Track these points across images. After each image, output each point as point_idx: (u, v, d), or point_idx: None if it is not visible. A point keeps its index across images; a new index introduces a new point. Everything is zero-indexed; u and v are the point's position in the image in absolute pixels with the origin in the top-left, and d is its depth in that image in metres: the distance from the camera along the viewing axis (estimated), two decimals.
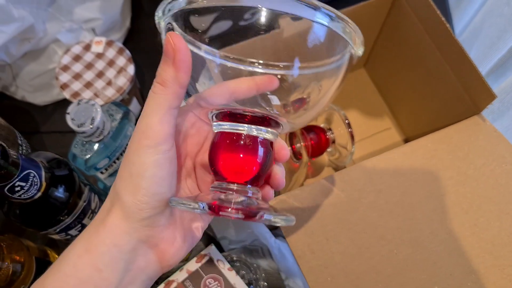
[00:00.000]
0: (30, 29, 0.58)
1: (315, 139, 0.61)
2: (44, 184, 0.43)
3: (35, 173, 0.41)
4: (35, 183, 0.41)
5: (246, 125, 0.29)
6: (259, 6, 0.24)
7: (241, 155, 0.29)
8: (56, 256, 0.58)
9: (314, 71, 0.28)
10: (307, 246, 0.42)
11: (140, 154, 0.27)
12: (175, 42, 0.25)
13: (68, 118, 0.47)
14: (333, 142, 0.62)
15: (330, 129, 0.62)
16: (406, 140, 0.68)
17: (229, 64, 0.27)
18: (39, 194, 0.43)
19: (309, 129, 0.61)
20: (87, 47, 0.61)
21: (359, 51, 0.29)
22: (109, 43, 0.61)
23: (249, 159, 0.29)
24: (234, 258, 0.59)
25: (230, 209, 0.26)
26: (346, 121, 0.59)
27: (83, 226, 0.52)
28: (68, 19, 0.62)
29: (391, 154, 0.47)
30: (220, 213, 0.26)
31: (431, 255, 0.41)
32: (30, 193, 0.42)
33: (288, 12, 0.24)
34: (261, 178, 0.30)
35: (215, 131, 0.30)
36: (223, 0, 0.25)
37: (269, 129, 0.29)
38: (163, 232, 0.30)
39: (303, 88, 0.29)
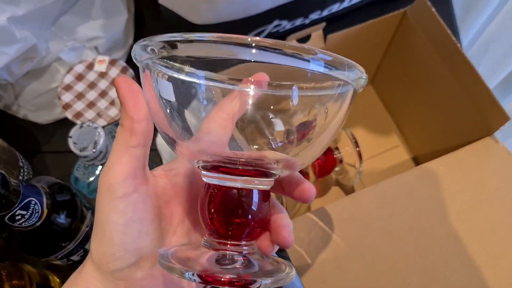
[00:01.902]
0: (33, 48, 0.57)
1: (322, 159, 0.59)
2: (45, 211, 0.42)
3: (36, 201, 0.40)
4: (36, 211, 0.40)
5: (238, 177, 0.26)
6: (251, 59, 0.21)
7: (233, 212, 0.26)
8: (58, 280, 0.57)
9: (315, 93, 0.25)
10: (316, 275, 0.41)
11: (101, 198, 0.25)
12: (116, 79, 0.24)
13: (70, 142, 0.46)
14: (341, 161, 0.61)
15: (337, 148, 0.61)
16: (415, 159, 0.66)
17: (218, 85, 0.24)
18: (40, 221, 0.42)
19: None
20: (90, 66, 0.60)
21: (361, 81, 0.26)
22: (112, 62, 0.60)
23: (243, 216, 0.27)
24: None
25: (223, 279, 0.23)
26: (354, 140, 0.58)
27: (86, 252, 0.51)
28: (70, 38, 0.61)
29: (402, 177, 0.45)
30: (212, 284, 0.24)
31: (446, 284, 0.40)
32: (31, 221, 0.41)
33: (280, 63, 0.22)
34: (256, 231, 0.28)
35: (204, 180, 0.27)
36: (212, 51, 0.22)
37: (264, 179, 0.26)
38: (144, 286, 0.27)
39: (307, 109, 0.26)
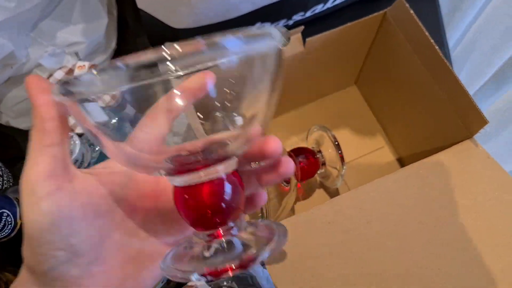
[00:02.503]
0: (11, 55, 0.56)
1: (305, 162, 0.59)
2: (19, 222, 0.41)
3: (9, 212, 0.40)
4: (9, 222, 0.40)
5: (201, 171, 0.26)
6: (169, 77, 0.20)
7: (211, 205, 0.26)
8: None
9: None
10: (291, 282, 0.40)
11: (23, 201, 0.24)
12: (26, 77, 0.24)
13: None
14: (323, 164, 0.60)
15: (320, 151, 0.60)
16: (400, 160, 0.66)
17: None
18: (15, 232, 0.41)
19: (298, 151, 0.59)
20: (70, 72, 0.59)
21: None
22: (93, 67, 0.59)
23: (220, 204, 0.27)
24: (224, 285, 0.57)
25: (228, 270, 0.24)
26: (336, 143, 0.57)
27: None
28: (50, 44, 0.60)
29: (382, 181, 0.45)
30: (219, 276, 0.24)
31: None
32: (5, 233, 0.40)
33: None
34: (239, 209, 0.28)
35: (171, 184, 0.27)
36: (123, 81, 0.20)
37: (226, 162, 0.26)
38: (82, 285, 0.26)
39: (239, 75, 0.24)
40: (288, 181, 0.58)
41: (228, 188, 0.27)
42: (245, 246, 0.26)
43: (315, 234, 0.43)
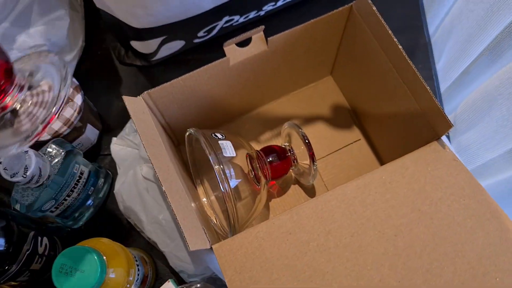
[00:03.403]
0: None
1: (276, 160, 0.58)
2: None
3: None
4: None
5: None
6: None
7: None
8: None
9: None
10: None
11: None
12: None
13: (0, 168, 0.45)
14: (295, 161, 0.59)
15: (291, 149, 0.59)
16: (376, 152, 0.64)
17: None
18: None
19: (267, 150, 0.58)
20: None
21: None
22: None
23: None
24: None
25: None
26: (306, 141, 0.56)
27: (32, 272, 0.50)
28: (11, 48, 0.59)
29: (343, 188, 0.44)
30: None
31: None
32: None
33: None
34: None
35: None
36: None
37: None
38: None
39: None
40: (258, 180, 0.57)
41: None
42: None
43: (274, 245, 0.42)
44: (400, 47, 0.45)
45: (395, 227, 0.41)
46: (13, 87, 0.31)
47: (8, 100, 0.30)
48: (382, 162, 0.64)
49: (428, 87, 0.43)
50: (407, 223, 0.42)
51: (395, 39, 0.45)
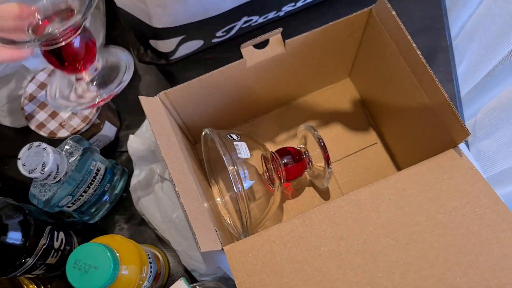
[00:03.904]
0: None
1: (290, 162, 0.58)
2: None
3: None
4: None
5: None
6: None
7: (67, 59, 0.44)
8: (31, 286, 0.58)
9: None
10: None
11: None
12: None
13: (19, 164, 0.46)
14: (310, 163, 0.59)
15: (306, 152, 0.59)
16: (392, 157, 0.64)
17: None
18: None
19: (282, 152, 0.58)
20: (53, 74, 0.59)
21: None
22: None
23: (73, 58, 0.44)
24: (211, 287, 0.57)
25: None
26: (322, 144, 0.56)
27: (48, 266, 0.51)
28: None
29: (357, 194, 0.44)
30: None
31: None
32: None
33: None
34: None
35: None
36: None
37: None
38: None
39: None
40: (273, 182, 0.57)
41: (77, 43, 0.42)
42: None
43: (285, 249, 0.42)
44: (418, 53, 0.44)
45: (408, 235, 0.41)
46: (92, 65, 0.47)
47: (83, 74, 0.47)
48: (398, 166, 0.63)
49: (446, 95, 0.42)
50: (420, 231, 0.41)
51: (413, 44, 0.44)
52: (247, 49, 0.49)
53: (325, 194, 0.63)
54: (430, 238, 0.41)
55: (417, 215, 0.42)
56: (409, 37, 0.44)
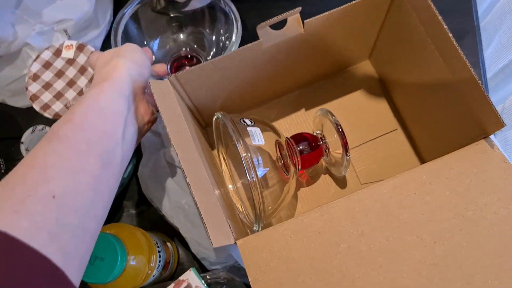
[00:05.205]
0: None
1: (307, 149, 0.55)
2: None
3: None
4: None
5: None
6: None
7: None
8: None
9: None
10: None
11: None
12: None
13: (23, 148, 0.44)
14: (327, 150, 0.56)
15: (323, 138, 0.56)
16: (413, 145, 0.61)
17: None
18: None
19: (299, 138, 0.55)
20: (58, 53, 0.56)
21: None
22: (80, 47, 0.56)
23: None
24: (222, 278, 0.55)
25: None
26: (340, 130, 0.53)
27: None
28: (37, 21, 0.57)
29: (379, 187, 0.41)
30: None
31: None
32: None
33: None
34: None
35: None
36: None
37: None
38: None
39: None
40: (287, 169, 0.55)
41: None
42: None
43: (302, 245, 0.39)
44: (450, 35, 0.40)
45: (435, 233, 0.38)
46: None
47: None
48: (419, 155, 0.60)
49: (480, 82, 0.39)
50: (448, 229, 0.38)
51: (445, 26, 0.41)
52: (263, 30, 0.46)
53: (341, 183, 0.60)
54: (458, 237, 0.38)
55: (444, 212, 0.39)
56: (440, 18, 0.41)
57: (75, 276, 0.31)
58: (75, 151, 0.34)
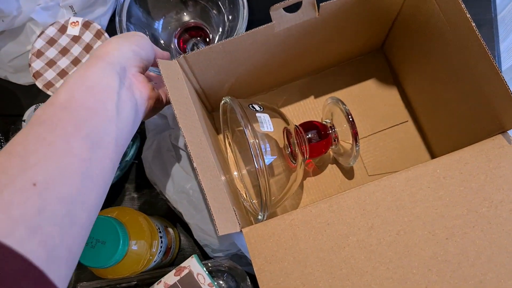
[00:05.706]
0: None
1: (315, 137, 0.53)
2: None
3: None
4: None
5: None
6: None
7: None
8: None
9: None
10: None
11: None
12: None
13: (24, 126, 0.42)
14: (336, 139, 0.55)
15: (332, 127, 0.54)
16: (424, 137, 0.59)
17: None
18: None
19: (308, 126, 0.54)
20: (63, 29, 0.54)
21: None
22: (86, 25, 0.54)
23: None
24: (224, 266, 0.55)
25: None
26: (350, 119, 0.51)
27: None
28: (39, 2, 0.55)
29: (391, 179, 0.39)
30: None
31: None
32: None
33: None
34: None
35: None
36: None
37: None
38: None
39: None
40: (295, 157, 0.53)
41: None
42: None
43: (310, 236, 0.38)
44: (473, 24, 0.39)
45: (447, 229, 0.37)
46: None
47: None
48: (430, 149, 0.59)
49: (503, 76, 0.37)
50: (461, 225, 0.37)
51: (468, 15, 0.39)
52: (276, 12, 0.44)
53: (349, 174, 0.59)
54: (471, 234, 0.37)
55: (458, 207, 0.38)
56: (463, 6, 0.39)
57: (61, 272, 0.28)
58: (60, 134, 0.31)
